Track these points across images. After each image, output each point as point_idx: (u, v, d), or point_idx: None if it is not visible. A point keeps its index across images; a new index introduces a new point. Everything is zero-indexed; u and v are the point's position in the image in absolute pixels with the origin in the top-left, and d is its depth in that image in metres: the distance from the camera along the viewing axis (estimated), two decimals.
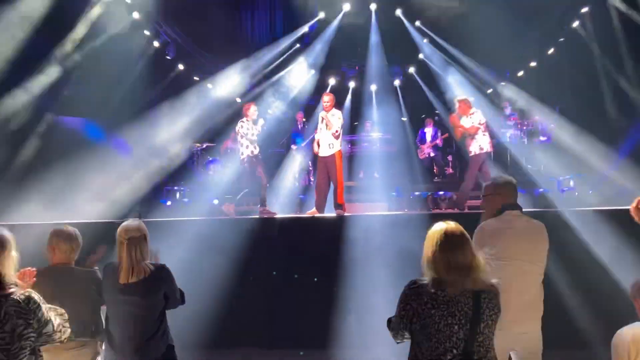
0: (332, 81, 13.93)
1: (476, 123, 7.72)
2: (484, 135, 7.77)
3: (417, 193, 9.52)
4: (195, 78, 12.61)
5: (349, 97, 13.90)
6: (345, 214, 7.38)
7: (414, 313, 2.51)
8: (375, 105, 13.00)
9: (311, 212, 7.87)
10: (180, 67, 12.53)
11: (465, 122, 7.78)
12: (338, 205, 7.63)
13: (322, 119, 7.84)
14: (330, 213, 7.64)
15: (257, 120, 8.05)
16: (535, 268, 3.42)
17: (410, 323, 2.54)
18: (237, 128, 7.91)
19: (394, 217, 6.76)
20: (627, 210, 2.87)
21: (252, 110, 7.96)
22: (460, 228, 2.60)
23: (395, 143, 11.68)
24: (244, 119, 7.91)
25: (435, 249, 2.53)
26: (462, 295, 2.51)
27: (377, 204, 9.37)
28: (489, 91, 12.80)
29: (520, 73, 12.80)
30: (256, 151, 7.85)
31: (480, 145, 7.73)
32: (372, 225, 6.23)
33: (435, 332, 2.47)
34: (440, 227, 2.58)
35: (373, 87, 13.46)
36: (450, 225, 2.58)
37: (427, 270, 2.56)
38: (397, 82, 14.07)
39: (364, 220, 6.50)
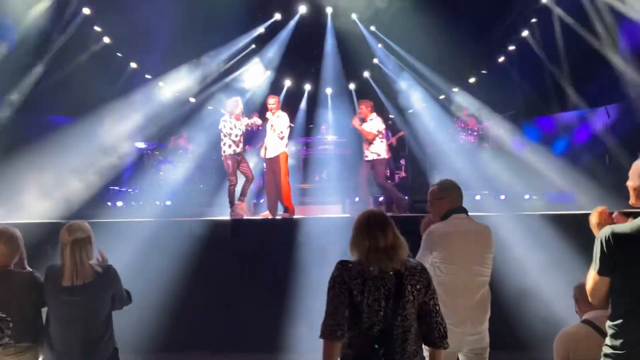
0: (287, 83, 13.92)
1: (374, 130, 7.87)
2: (381, 142, 7.94)
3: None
4: (147, 76, 12.39)
5: (304, 99, 13.93)
6: (297, 217, 7.34)
7: (347, 287, 2.61)
8: (330, 108, 13.08)
9: (264, 214, 7.87)
10: (133, 65, 12.27)
11: (365, 127, 7.94)
12: (284, 208, 7.60)
13: (267, 120, 7.78)
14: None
15: (243, 117, 7.74)
16: (482, 270, 3.46)
17: (346, 298, 2.61)
18: (220, 126, 7.60)
19: (347, 219, 6.70)
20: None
21: (235, 106, 7.62)
22: (383, 212, 2.79)
23: (349, 146, 11.63)
24: (227, 116, 7.60)
25: (358, 232, 2.70)
26: (385, 273, 2.64)
27: (331, 207, 9.44)
28: (442, 97, 13.08)
29: (472, 80, 13.20)
30: (239, 149, 7.57)
31: (377, 152, 7.90)
32: (323, 228, 6.21)
33: (366, 307, 2.59)
34: (364, 211, 2.78)
35: (328, 90, 13.41)
36: (374, 210, 2.79)
37: (353, 252, 2.70)
38: (352, 86, 14.18)
39: (316, 222, 6.47)
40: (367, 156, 7.92)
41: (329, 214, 8.56)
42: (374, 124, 7.91)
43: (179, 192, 10.29)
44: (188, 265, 5.99)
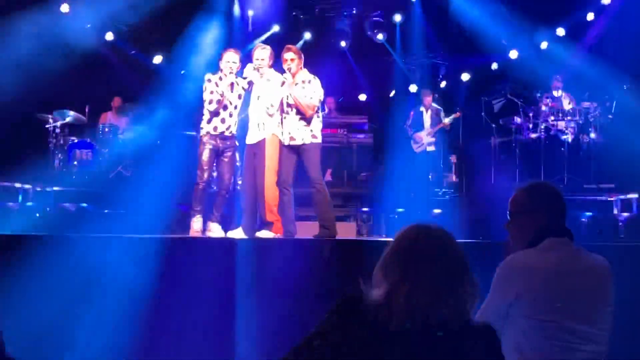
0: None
1: (315, 97, 7.78)
2: (317, 117, 7.93)
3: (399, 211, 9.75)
4: None
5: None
6: (283, 238, 7.53)
7: (340, 344, 2.35)
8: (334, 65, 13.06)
9: (234, 232, 7.93)
10: None
11: (297, 91, 7.80)
12: (264, 223, 7.80)
13: (249, 85, 8.12)
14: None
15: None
16: (593, 333, 3.24)
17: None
18: (204, 85, 7.94)
19: (364, 245, 6.88)
20: None
21: (231, 58, 7.94)
22: (445, 232, 2.48)
23: (372, 130, 12.13)
24: (217, 73, 7.95)
25: (394, 257, 2.45)
26: (421, 333, 2.35)
27: (340, 225, 9.21)
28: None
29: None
30: (224, 127, 7.96)
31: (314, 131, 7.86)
32: (325, 258, 6.44)
33: None
34: (412, 227, 2.50)
35: (343, 43, 13.85)
36: (431, 227, 2.48)
37: (378, 283, 2.42)
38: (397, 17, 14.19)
39: (311, 248, 6.66)
40: (294, 138, 7.79)
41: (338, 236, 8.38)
42: (313, 86, 7.81)
43: (103, 190, 10.72)
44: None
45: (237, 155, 8.22)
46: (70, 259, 6.36)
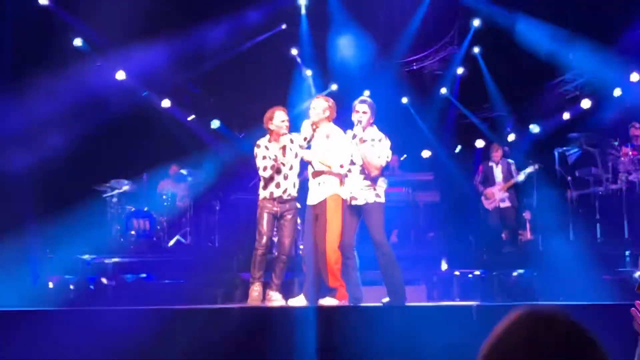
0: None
1: (383, 156, 7.36)
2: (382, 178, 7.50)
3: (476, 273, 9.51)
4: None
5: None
6: (349, 305, 7.19)
7: None
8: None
9: (295, 300, 7.60)
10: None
11: (365, 148, 7.41)
12: (328, 289, 7.42)
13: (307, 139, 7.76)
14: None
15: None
16: None
17: None
18: (255, 152, 7.75)
19: (438, 311, 6.60)
20: None
21: (281, 117, 7.69)
22: (582, 329, 1.65)
23: (437, 188, 11.82)
24: (266, 136, 7.76)
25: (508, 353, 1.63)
26: None
27: (411, 289, 8.93)
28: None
29: None
30: (279, 191, 7.73)
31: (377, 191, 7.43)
32: (396, 325, 6.13)
33: None
34: (535, 311, 1.68)
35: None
36: (558, 315, 1.67)
37: None
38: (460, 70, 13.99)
39: (382, 316, 6.41)
40: (356, 197, 7.35)
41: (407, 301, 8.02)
42: (382, 146, 7.38)
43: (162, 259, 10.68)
44: None
45: (297, 218, 7.80)
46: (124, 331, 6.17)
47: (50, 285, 9.67)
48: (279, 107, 7.78)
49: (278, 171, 7.59)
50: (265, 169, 7.54)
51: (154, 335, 6.26)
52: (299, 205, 7.81)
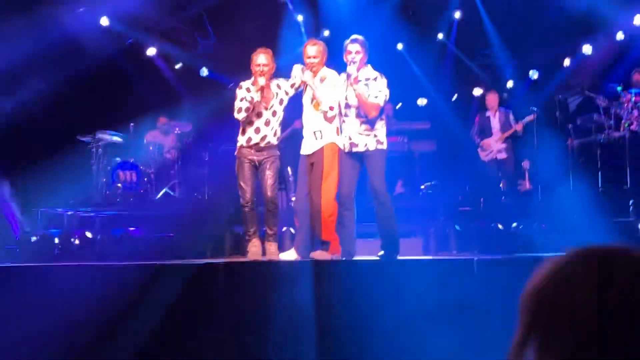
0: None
1: (381, 96, 7.17)
2: (381, 119, 7.32)
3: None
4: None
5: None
6: (342, 259, 7.07)
7: None
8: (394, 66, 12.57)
9: (287, 254, 7.47)
10: None
11: (360, 88, 7.20)
12: (321, 243, 7.20)
13: (302, 86, 7.46)
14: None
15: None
16: None
17: None
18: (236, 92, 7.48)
19: (435, 265, 6.69)
20: None
21: (260, 60, 7.34)
22: None
23: (434, 136, 11.81)
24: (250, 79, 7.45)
25: (576, 309, 1.34)
26: None
27: (406, 242, 8.89)
28: None
29: None
30: (258, 138, 7.46)
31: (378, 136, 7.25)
32: (389, 283, 6.03)
33: None
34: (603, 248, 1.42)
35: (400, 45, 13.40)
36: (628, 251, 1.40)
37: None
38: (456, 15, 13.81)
39: (374, 270, 6.34)
40: (355, 144, 7.13)
41: (402, 254, 7.90)
42: (379, 84, 7.12)
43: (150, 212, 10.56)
44: None
45: (278, 165, 7.50)
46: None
47: (34, 239, 9.52)
48: (262, 48, 7.45)
49: (259, 115, 7.30)
50: (239, 110, 7.27)
51: (141, 291, 6.12)
52: (278, 152, 7.50)
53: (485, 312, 5.46)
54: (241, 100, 7.27)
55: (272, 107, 7.30)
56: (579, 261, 1.40)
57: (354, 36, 7.26)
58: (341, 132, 7.19)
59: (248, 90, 7.31)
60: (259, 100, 7.25)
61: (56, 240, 9.79)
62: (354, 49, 7.08)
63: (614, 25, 12.05)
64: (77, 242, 9.80)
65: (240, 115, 7.26)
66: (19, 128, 10.63)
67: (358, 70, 7.05)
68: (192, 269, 6.45)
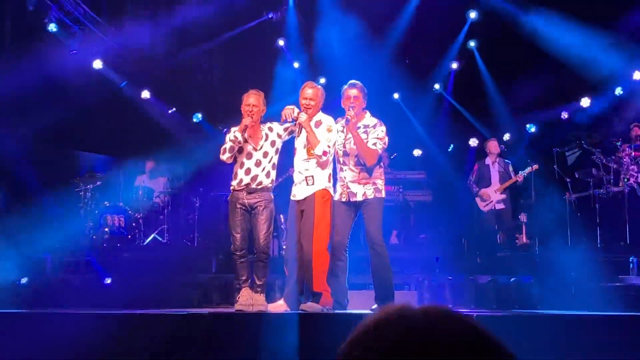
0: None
1: (379, 143, 7.10)
2: (380, 167, 7.25)
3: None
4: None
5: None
6: (336, 312, 6.84)
7: None
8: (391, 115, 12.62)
9: (276, 305, 7.23)
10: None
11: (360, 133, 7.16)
12: (312, 294, 6.98)
13: (296, 129, 7.25)
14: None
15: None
16: None
17: None
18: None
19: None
20: None
21: (250, 100, 7.19)
22: (455, 316, 1.43)
23: (429, 186, 11.84)
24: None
25: None
26: None
27: (401, 294, 8.94)
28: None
29: None
30: (248, 179, 7.25)
31: (376, 184, 7.17)
32: None
33: None
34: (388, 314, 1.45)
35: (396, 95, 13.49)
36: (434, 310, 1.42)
37: None
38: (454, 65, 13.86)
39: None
40: (354, 193, 7.03)
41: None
42: (377, 131, 7.07)
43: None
44: None
45: (273, 211, 7.32)
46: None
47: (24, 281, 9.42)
48: (253, 90, 7.33)
49: (248, 156, 7.12)
50: (223, 151, 7.08)
51: (125, 340, 5.99)
52: (272, 196, 7.31)
53: None
54: (226, 141, 7.14)
55: (262, 147, 7.13)
56: (387, 323, 1.43)
57: (352, 81, 7.18)
58: (336, 180, 7.08)
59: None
60: (245, 141, 7.11)
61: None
62: (352, 94, 7.01)
63: (613, 80, 12.07)
64: (59, 286, 9.66)
65: (224, 156, 7.10)
66: (5, 169, 10.51)
67: (356, 115, 6.93)
68: (177, 318, 6.26)
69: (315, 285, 6.88)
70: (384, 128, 7.04)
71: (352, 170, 6.97)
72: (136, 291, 9.27)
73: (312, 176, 7.02)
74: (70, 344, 5.85)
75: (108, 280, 9.42)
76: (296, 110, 7.06)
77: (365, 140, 6.88)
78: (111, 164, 11.96)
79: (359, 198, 6.91)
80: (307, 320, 6.19)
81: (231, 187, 7.20)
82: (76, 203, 11.02)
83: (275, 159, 7.20)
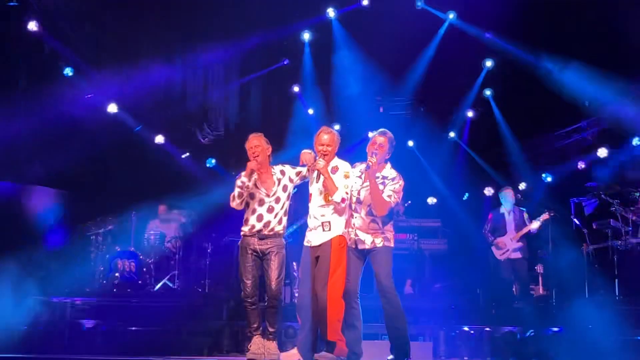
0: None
1: (396, 193, 7.00)
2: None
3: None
4: None
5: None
6: None
7: None
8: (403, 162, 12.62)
9: (288, 354, 7.08)
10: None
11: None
12: (325, 344, 6.81)
13: (311, 175, 7.12)
14: None
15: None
16: None
17: None
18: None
19: None
20: None
21: (252, 143, 7.10)
22: None
23: (445, 235, 11.72)
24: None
25: None
26: None
27: (418, 344, 8.82)
28: None
29: None
30: (260, 226, 7.12)
31: (385, 233, 7.07)
32: None
33: None
34: None
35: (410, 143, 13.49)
36: None
37: None
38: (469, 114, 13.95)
39: None
40: (362, 240, 6.94)
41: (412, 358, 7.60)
42: (395, 185, 6.99)
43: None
44: None
45: (284, 256, 7.21)
46: None
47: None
48: (253, 134, 7.28)
49: (260, 202, 7.03)
50: (232, 198, 6.98)
51: None
52: (284, 242, 7.20)
53: None
54: (235, 188, 7.06)
55: (274, 193, 7.05)
56: None
57: (382, 129, 7.12)
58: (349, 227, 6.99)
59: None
60: (255, 186, 7.02)
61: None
62: (379, 140, 6.93)
63: (632, 132, 12.03)
64: (67, 332, 9.59)
65: (234, 203, 7.01)
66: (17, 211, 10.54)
67: (378, 164, 6.89)
68: None
69: (330, 334, 6.71)
70: (402, 183, 6.96)
71: (363, 219, 6.88)
72: (146, 338, 9.21)
73: (329, 222, 6.91)
74: None
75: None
76: (313, 155, 7.00)
77: (381, 191, 6.82)
78: (123, 208, 11.89)
79: (367, 246, 6.82)
80: None
81: (242, 233, 7.08)
82: (87, 246, 11.01)
83: (287, 205, 7.11)
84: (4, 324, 9.44)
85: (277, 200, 6.98)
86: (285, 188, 7.04)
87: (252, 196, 7.03)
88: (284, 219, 7.08)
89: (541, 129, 12.82)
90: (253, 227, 6.96)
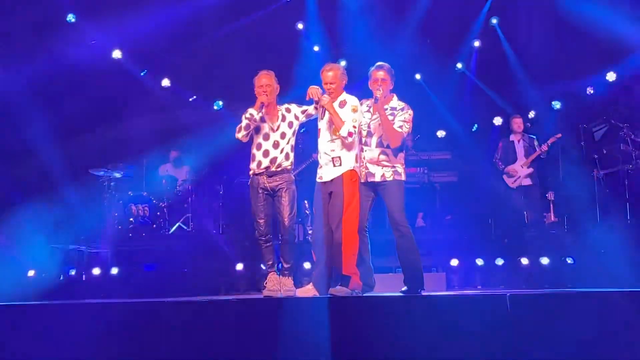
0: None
1: (406, 124, 7.00)
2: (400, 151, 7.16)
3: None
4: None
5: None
6: (365, 295, 6.80)
7: None
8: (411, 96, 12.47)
9: (304, 289, 7.12)
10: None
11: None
12: (341, 278, 6.90)
13: (318, 110, 7.09)
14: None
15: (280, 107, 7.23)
16: None
17: None
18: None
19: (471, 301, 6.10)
20: None
21: (262, 81, 7.09)
22: None
23: (456, 167, 11.58)
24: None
25: None
26: None
27: (431, 275, 8.95)
28: None
29: None
30: (267, 162, 7.14)
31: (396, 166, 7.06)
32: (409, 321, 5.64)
33: None
34: None
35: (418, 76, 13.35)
36: None
37: None
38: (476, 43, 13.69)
39: (394, 307, 5.84)
40: (372, 173, 6.96)
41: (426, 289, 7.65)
42: (404, 115, 6.98)
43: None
44: None
45: (295, 191, 7.23)
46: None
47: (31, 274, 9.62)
48: (263, 71, 7.21)
49: (265, 137, 7.04)
50: (239, 129, 6.97)
51: (150, 329, 5.96)
52: (293, 177, 7.21)
53: (518, 351, 5.22)
54: (241, 120, 7.06)
55: (279, 128, 7.05)
56: None
57: (379, 63, 7.06)
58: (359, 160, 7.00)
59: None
60: (262, 120, 7.04)
61: (61, 277, 9.74)
62: (379, 75, 6.91)
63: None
64: (84, 278, 9.72)
65: (239, 134, 7.01)
66: (27, 160, 10.55)
67: (385, 97, 6.87)
68: (204, 306, 6.26)
69: (345, 269, 6.80)
70: (411, 112, 6.94)
71: (374, 152, 6.89)
72: (164, 280, 9.31)
73: (339, 157, 6.92)
74: (99, 333, 5.91)
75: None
76: (320, 91, 6.97)
77: (392, 123, 6.81)
78: (134, 153, 11.89)
79: (377, 179, 6.84)
80: (337, 304, 6.10)
81: (250, 172, 7.10)
82: (100, 193, 11.06)
83: (293, 141, 7.11)
84: (40, 272, 9.65)
85: (283, 135, 6.99)
86: (290, 124, 7.04)
87: (257, 130, 7.03)
88: (291, 155, 7.08)
89: (548, 53, 12.64)
90: (260, 163, 6.97)
